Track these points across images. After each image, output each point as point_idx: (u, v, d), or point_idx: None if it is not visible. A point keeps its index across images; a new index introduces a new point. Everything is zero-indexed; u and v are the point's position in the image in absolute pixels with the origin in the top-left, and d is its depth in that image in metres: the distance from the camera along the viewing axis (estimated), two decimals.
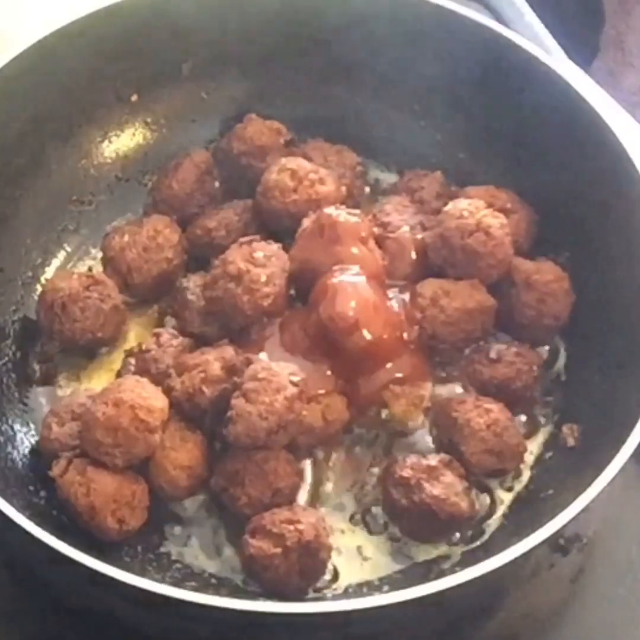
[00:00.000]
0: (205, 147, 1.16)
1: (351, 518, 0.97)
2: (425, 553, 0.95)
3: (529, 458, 1.00)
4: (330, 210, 1.02)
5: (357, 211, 1.04)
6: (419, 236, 1.05)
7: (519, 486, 0.99)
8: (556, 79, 1.05)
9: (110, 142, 1.16)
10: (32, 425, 1.01)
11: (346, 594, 0.93)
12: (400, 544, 0.96)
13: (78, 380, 1.04)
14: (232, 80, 1.17)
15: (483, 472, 0.97)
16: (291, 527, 0.90)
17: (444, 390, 1.02)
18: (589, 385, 1.01)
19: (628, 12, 1.34)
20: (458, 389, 1.02)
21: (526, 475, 0.99)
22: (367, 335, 0.97)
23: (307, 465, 0.99)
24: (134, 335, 1.06)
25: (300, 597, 0.91)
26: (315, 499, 0.98)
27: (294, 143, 1.14)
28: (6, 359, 1.05)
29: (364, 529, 0.97)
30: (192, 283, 1.05)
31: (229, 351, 0.97)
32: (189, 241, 1.09)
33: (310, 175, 1.07)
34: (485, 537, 0.96)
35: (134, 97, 1.15)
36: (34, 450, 0.99)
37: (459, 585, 0.80)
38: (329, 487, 0.98)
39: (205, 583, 0.93)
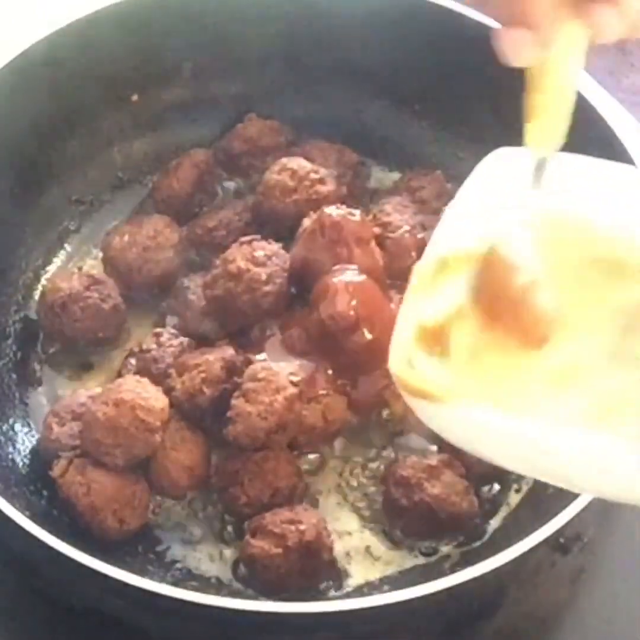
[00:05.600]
0: (205, 147, 1.16)
1: (355, 519, 0.97)
2: (425, 553, 0.95)
3: None
4: (331, 210, 1.02)
5: (358, 211, 1.04)
6: (419, 236, 1.05)
7: (521, 486, 0.99)
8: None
9: (110, 142, 1.16)
10: (32, 425, 1.01)
11: (347, 594, 0.93)
12: (400, 544, 0.96)
13: (78, 380, 1.04)
14: (232, 80, 1.17)
15: (483, 471, 0.97)
16: (292, 527, 0.90)
17: None
18: None
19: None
20: None
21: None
22: (368, 335, 0.97)
23: (307, 465, 0.99)
24: (134, 335, 1.06)
25: (300, 597, 0.91)
26: (316, 499, 0.98)
27: (294, 143, 1.14)
28: (7, 359, 1.05)
29: (367, 529, 0.97)
30: (193, 283, 1.05)
31: (229, 351, 0.97)
32: (189, 241, 1.10)
33: (311, 175, 1.07)
34: (486, 537, 0.96)
35: (134, 97, 1.15)
36: (35, 450, 0.99)
37: (459, 585, 0.80)
38: (329, 487, 0.98)
39: (205, 583, 0.93)
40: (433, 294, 0.71)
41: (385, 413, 1.00)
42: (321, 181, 1.06)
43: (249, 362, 0.96)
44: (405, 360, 0.68)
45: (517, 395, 0.67)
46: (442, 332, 0.69)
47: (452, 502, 0.93)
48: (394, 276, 1.03)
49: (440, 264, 0.73)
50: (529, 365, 0.69)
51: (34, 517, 0.83)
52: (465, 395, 0.66)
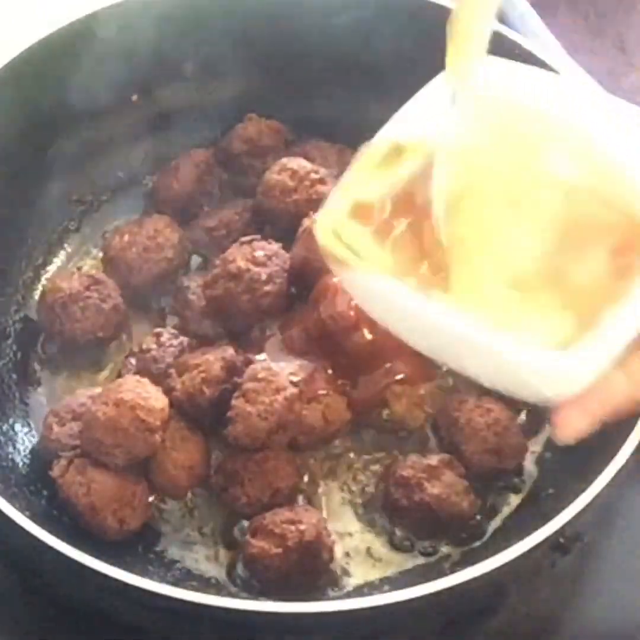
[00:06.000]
0: (205, 147, 1.16)
1: (355, 519, 0.97)
2: (425, 553, 0.95)
3: (530, 458, 1.00)
4: None
5: None
6: None
7: (521, 486, 0.99)
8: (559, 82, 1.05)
9: (110, 142, 1.16)
10: (32, 425, 1.01)
11: (347, 594, 0.93)
12: (400, 544, 0.96)
13: (78, 380, 1.04)
14: (232, 80, 1.17)
15: (483, 471, 0.97)
16: (292, 527, 0.90)
17: (444, 390, 1.02)
18: None
19: (628, 12, 1.34)
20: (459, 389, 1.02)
21: (528, 475, 0.99)
22: (368, 335, 0.97)
23: (307, 465, 0.99)
24: (134, 335, 1.06)
25: (300, 597, 0.91)
26: (316, 499, 0.98)
27: (294, 143, 1.14)
28: (7, 359, 1.05)
29: (367, 530, 0.97)
30: (193, 283, 1.05)
31: (229, 351, 0.97)
32: (189, 241, 1.10)
33: (311, 175, 1.07)
34: (486, 537, 0.96)
35: (134, 97, 1.15)
36: (35, 450, 0.99)
37: (459, 585, 0.80)
38: (329, 487, 0.98)
39: (205, 583, 0.93)
40: (379, 176, 0.74)
41: (385, 413, 1.00)
42: (321, 181, 1.06)
43: (249, 362, 0.96)
44: (331, 228, 0.72)
45: (434, 278, 0.72)
46: (383, 212, 0.73)
47: (452, 502, 0.93)
48: None
49: (394, 149, 0.75)
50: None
51: (34, 517, 0.83)
52: (383, 269, 0.71)
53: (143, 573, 0.84)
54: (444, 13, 1.08)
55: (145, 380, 0.94)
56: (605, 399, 0.71)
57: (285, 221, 1.06)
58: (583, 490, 0.84)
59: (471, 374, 0.74)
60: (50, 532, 0.82)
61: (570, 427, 0.71)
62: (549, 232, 0.73)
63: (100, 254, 1.10)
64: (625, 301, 0.69)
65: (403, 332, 0.75)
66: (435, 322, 0.70)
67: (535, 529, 0.83)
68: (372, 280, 0.72)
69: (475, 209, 0.74)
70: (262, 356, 0.99)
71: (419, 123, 0.76)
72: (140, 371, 0.99)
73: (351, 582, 0.94)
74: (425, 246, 0.73)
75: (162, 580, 0.91)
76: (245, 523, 0.94)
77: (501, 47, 1.08)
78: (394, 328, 0.76)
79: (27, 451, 0.99)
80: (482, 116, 0.76)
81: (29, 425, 1.02)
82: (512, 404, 0.99)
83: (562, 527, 0.83)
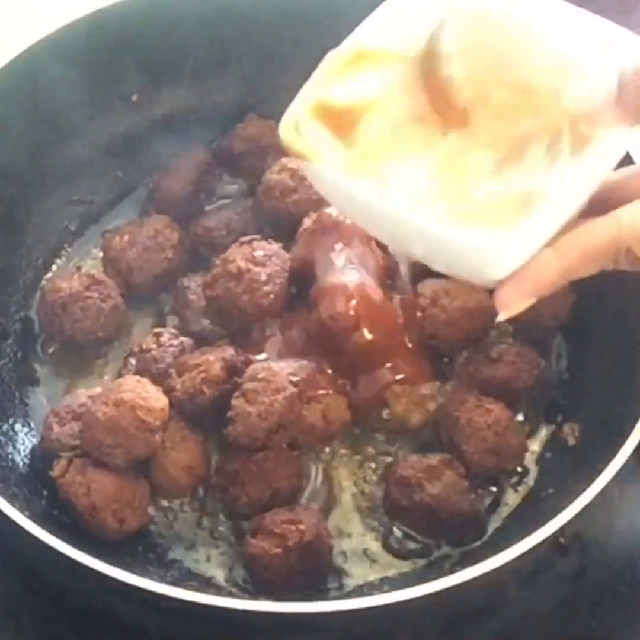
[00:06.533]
0: (205, 147, 1.16)
1: (355, 519, 0.97)
2: (425, 553, 0.95)
3: (530, 458, 1.00)
4: (331, 209, 1.02)
5: None
6: None
7: (521, 486, 0.99)
8: None
9: (110, 142, 1.16)
10: (32, 425, 1.01)
11: (347, 593, 0.93)
12: (400, 544, 0.96)
13: (78, 380, 1.04)
14: (232, 80, 1.17)
15: (484, 471, 0.97)
16: (292, 527, 0.90)
17: (444, 390, 1.02)
18: (589, 384, 1.01)
19: (628, 12, 1.34)
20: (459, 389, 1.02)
21: (528, 475, 0.99)
22: (368, 335, 0.97)
23: (307, 466, 0.99)
24: (134, 335, 1.06)
25: (300, 597, 0.91)
26: (316, 500, 0.98)
27: None
28: (7, 359, 1.05)
29: (367, 530, 0.97)
30: (193, 283, 1.06)
31: (229, 351, 0.97)
32: (189, 241, 1.10)
33: None
34: (486, 537, 0.96)
35: (134, 97, 1.15)
36: (35, 450, 0.99)
37: (459, 585, 0.80)
38: (329, 487, 0.98)
39: (205, 583, 0.93)
40: (344, 79, 0.77)
41: (385, 413, 1.00)
42: None
43: (249, 362, 0.96)
44: (294, 124, 0.77)
45: (394, 176, 0.74)
46: (349, 115, 0.76)
47: (452, 502, 0.93)
48: (394, 276, 1.03)
49: (357, 55, 0.78)
50: (422, 156, 0.75)
51: (34, 517, 0.84)
52: (340, 164, 0.74)
53: (143, 573, 0.84)
54: None
55: (145, 380, 0.94)
56: (537, 276, 0.73)
57: (285, 221, 1.06)
58: (583, 490, 0.84)
59: (422, 258, 0.76)
60: (50, 532, 0.82)
61: (507, 305, 0.74)
62: (499, 138, 0.75)
63: (100, 254, 1.10)
64: (555, 186, 0.72)
65: (360, 221, 0.78)
66: (387, 212, 0.73)
67: (535, 529, 0.83)
68: (329, 173, 0.75)
69: (436, 115, 0.76)
70: (262, 356, 0.99)
71: (384, 32, 0.79)
72: (140, 371, 0.99)
73: (351, 582, 0.94)
74: (384, 146, 0.75)
75: (162, 580, 0.90)
76: (246, 523, 0.94)
77: None
78: (351, 216, 0.80)
79: (27, 451, 0.99)
80: (452, 23, 0.77)
81: (29, 425, 1.02)
82: (512, 404, 1.00)
83: (562, 527, 0.83)
